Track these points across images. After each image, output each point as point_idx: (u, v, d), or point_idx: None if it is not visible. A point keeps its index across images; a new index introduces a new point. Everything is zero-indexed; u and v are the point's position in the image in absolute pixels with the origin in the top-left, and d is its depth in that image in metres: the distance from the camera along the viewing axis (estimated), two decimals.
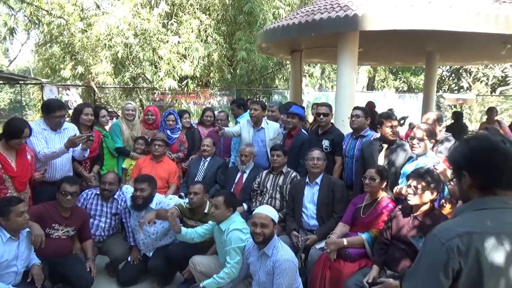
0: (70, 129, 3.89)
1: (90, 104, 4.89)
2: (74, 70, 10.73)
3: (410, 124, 7.34)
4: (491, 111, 7.68)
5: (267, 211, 2.83)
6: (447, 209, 3.07)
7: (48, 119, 3.77)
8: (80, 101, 10.83)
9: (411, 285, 1.34)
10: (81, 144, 3.74)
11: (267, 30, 6.40)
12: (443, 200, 3.07)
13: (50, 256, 3.20)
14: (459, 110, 12.04)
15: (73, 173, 4.00)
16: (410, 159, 3.41)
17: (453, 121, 7.97)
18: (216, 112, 5.90)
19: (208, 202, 3.67)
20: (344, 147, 4.26)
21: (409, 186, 2.82)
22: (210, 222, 3.41)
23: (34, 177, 3.48)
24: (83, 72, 10.65)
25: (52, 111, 3.71)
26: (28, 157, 3.46)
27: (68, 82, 11.64)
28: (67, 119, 4.30)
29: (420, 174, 2.79)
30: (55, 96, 9.88)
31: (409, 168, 3.23)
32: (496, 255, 1.24)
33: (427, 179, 2.75)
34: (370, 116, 4.22)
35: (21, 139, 3.29)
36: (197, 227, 3.46)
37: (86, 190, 3.93)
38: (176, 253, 3.59)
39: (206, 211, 3.63)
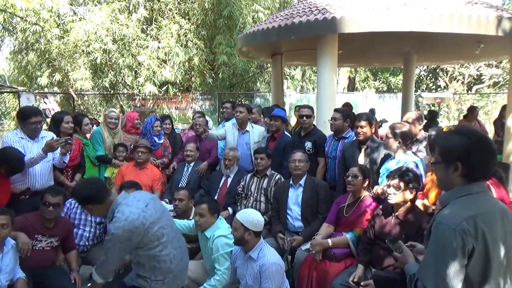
0: (48, 137, 3.81)
1: (69, 112, 4.81)
2: (52, 78, 10.51)
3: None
4: (473, 110, 7.87)
5: (240, 215, 2.82)
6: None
7: (24, 127, 3.70)
8: (58, 109, 10.60)
9: (432, 275, 1.46)
10: (59, 148, 3.66)
11: (247, 34, 6.42)
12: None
13: (34, 268, 3.12)
14: (435, 109, 12.35)
15: (54, 182, 3.93)
16: (389, 157, 3.47)
17: (427, 120, 8.14)
18: (196, 117, 5.49)
19: (193, 208, 3.65)
20: (326, 148, 4.32)
21: (388, 186, 2.87)
22: (191, 223, 3.39)
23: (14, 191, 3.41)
24: (61, 79, 10.45)
25: (28, 118, 3.64)
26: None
27: (46, 90, 11.40)
28: (45, 127, 4.21)
29: (400, 173, 2.84)
30: (32, 104, 9.64)
31: (388, 166, 3.29)
32: (495, 230, 1.46)
33: (406, 179, 2.80)
34: (374, 118, 4.22)
35: None
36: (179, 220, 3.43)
37: (70, 200, 3.85)
38: None
39: (191, 217, 3.60)
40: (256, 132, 4.74)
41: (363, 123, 3.71)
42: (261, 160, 4.11)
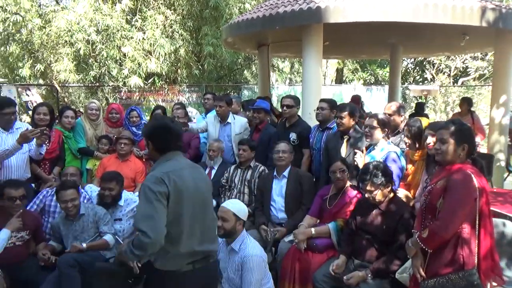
0: (23, 129, 3.70)
1: (46, 103, 4.69)
2: (34, 69, 10.27)
3: None
4: (464, 103, 6.90)
5: (230, 205, 2.78)
6: None
7: None
8: (40, 101, 10.38)
9: (142, 216, 2.02)
10: (35, 139, 3.55)
11: (231, 24, 6.33)
12: None
13: (8, 264, 3.04)
14: (423, 101, 12.38)
15: (31, 175, 3.83)
16: (370, 147, 3.45)
17: (415, 112, 8.14)
18: (174, 108, 5.35)
19: None
20: (311, 140, 4.29)
21: (364, 190, 2.85)
22: None
23: None
24: (43, 70, 10.22)
25: (1, 108, 3.53)
26: None
27: (28, 82, 11.14)
28: (28, 120, 4.11)
29: (369, 177, 2.79)
30: (14, 97, 9.42)
31: (367, 159, 3.27)
32: (184, 178, 2.11)
33: (376, 181, 2.76)
34: (357, 110, 4.06)
35: None
36: None
37: (47, 188, 3.77)
38: None
39: None
40: (238, 123, 4.69)
41: (343, 113, 3.69)
42: (243, 152, 4.07)
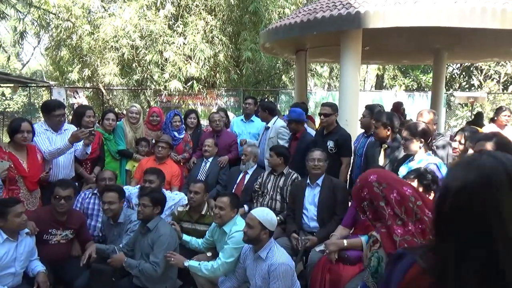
0: (71, 130, 3.92)
1: (91, 107, 4.94)
2: (82, 73, 10.82)
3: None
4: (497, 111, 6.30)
5: (258, 213, 2.76)
6: None
7: (48, 119, 3.84)
8: (86, 103, 10.91)
9: None
10: (83, 140, 3.79)
11: (269, 29, 6.35)
12: None
13: (52, 262, 3.21)
14: (480, 111, 11.61)
15: (74, 174, 4.03)
16: (408, 157, 3.31)
17: (473, 121, 7.62)
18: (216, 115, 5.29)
19: (206, 203, 3.64)
20: (355, 145, 4.29)
21: None
22: (208, 231, 3.38)
23: (39, 177, 3.52)
24: (90, 74, 10.74)
25: (52, 110, 3.78)
26: (38, 157, 3.54)
27: (77, 85, 11.75)
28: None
29: (417, 175, 2.68)
30: (63, 99, 9.98)
31: (403, 170, 3.13)
32: None
33: (425, 182, 2.64)
34: (397, 117, 3.94)
35: (22, 133, 3.34)
36: (199, 239, 3.44)
37: (85, 190, 3.93)
38: None
39: (203, 212, 3.60)
40: (274, 128, 4.72)
41: (377, 124, 3.60)
42: (270, 158, 4.06)
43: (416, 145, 3.11)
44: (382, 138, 3.63)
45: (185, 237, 3.44)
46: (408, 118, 8.04)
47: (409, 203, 1.65)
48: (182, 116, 5.25)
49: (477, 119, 7.53)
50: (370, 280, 1.67)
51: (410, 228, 1.58)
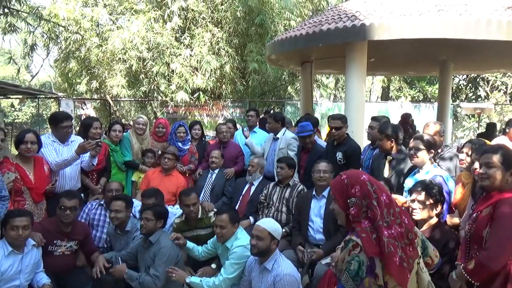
0: (77, 141, 3.95)
1: (98, 118, 4.99)
2: (90, 85, 10.95)
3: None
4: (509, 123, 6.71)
5: (266, 224, 2.76)
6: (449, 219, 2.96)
7: (56, 130, 3.87)
8: (93, 115, 11.01)
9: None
10: (89, 151, 3.81)
11: (275, 41, 6.41)
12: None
13: (56, 273, 3.21)
14: (492, 122, 11.46)
15: (80, 185, 4.05)
16: (413, 169, 3.30)
17: (484, 132, 7.48)
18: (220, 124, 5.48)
19: (200, 207, 3.65)
20: (362, 156, 4.27)
21: (413, 200, 2.71)
22: (210, 242, 3.37)
23: (45, 188, 3.53)
24: (98, 86, 10.86)
25: (60, 122, 3.81)
26: (45, 168, 3.56)
27: (84, 96, 11.88)
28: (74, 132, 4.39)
29: (424, 187, 2.68)
30: (71, 110, 10.09)
31: (409, 182, 3.12)
32: None
33: (432, 193, 2.63)
34: (404, 128, 3.99)
35: (26, 144, 3.37)
36: (200, 247, 3.43)
37: (91, 201, 3.95)
38: None
39: (199, 216, 3.62)
40: (284, 138, 4.72)
41: (381, 136, 3.59)
42: (280, 170, 4.05)
43: (425, 156, 3.11)
44: (386, 150, 3.62)
45: (189, 244, 3.41)
46: (417, 129, 8.00)
47: (396, 207, 1.76)
48: (187, 127, 5.27)
49: (489, 130, 7.42)
50: (350, 283, 1.70)
51: (392, 231, 1.68)
